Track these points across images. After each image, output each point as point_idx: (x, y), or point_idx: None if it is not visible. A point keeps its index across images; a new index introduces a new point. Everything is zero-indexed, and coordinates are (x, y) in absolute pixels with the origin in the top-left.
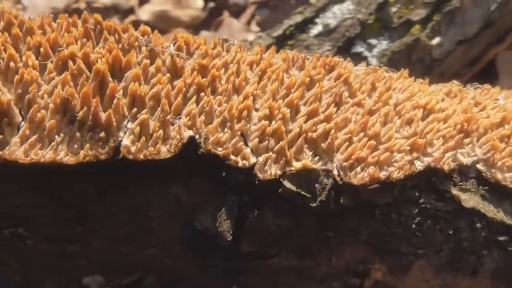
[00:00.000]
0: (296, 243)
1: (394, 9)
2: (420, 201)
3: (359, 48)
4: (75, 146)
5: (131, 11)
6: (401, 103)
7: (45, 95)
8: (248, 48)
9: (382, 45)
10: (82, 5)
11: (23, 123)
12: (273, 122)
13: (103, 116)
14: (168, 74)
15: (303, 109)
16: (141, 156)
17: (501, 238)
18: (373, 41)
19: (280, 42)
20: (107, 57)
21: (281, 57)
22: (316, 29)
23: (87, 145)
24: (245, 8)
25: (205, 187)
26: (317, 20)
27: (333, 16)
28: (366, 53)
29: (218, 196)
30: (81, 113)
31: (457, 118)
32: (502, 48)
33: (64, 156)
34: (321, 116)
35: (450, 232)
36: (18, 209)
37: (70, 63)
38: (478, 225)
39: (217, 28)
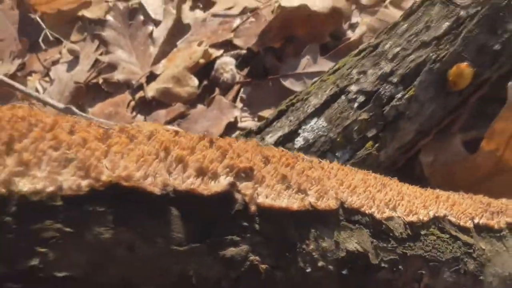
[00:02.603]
0: (391, 259)
1: (355, 127)
2: (436, 232)
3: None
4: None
5: (140, 87)
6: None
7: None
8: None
9: (345, 156)
10: (100, 80)
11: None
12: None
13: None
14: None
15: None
16: (323, 206)
17: (469, 250)
18: (339, 154)
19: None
20: None
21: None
22: (299, 142)
23: (298, 200)
24: (232, 86)
25: (351, 226)
26: (300, 131)
27: (311, 130)
28: None
29: (358, 230)
30: (294, 185)
31: (431, 196)
32: (428, 139)
33: (291, 204)
34: (382, 194)
35: (451, 248)
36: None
37: None
38: (460, 243)
39: (209, 104)
